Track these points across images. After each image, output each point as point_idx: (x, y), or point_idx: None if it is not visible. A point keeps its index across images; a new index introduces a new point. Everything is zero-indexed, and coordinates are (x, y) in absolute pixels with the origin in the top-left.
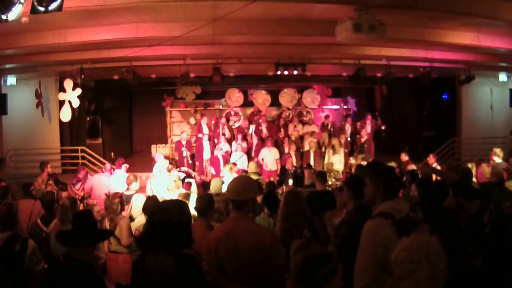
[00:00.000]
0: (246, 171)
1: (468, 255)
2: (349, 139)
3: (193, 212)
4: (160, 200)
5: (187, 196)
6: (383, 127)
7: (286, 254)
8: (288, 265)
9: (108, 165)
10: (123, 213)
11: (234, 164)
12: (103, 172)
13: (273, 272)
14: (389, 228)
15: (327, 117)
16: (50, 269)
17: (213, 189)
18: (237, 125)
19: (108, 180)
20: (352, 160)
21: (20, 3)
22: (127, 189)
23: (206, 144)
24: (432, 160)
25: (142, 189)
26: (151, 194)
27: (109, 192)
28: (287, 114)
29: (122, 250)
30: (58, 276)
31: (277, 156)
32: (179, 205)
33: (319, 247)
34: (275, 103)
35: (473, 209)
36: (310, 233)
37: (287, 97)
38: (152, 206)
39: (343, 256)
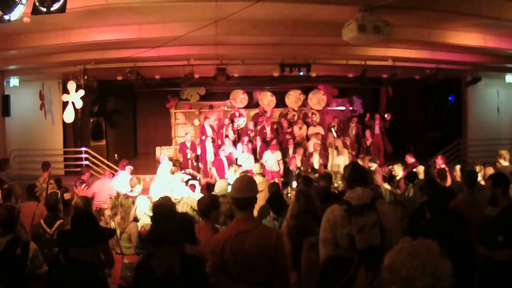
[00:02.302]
0: (248, 172)
1: (497, 246)
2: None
3: None
4: None
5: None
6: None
7: (293, 252)
8: (297, 263)
9: (107, 172)
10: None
11: (239, 165)
12: (104, 177)
13: (277, 272)
14: (340, 212)
15: (334, 118)
16: (50, 270)
17: (218, 190)
18: (241, 126)
19: (110, 183)
20: (358, 162)
21: (22, 3)
22: (131, 191)
23: (209, 146)
24: (440, 162)
25: (145, 191)
26: (153, 196)
27: (118, 192)
28: (293, 115)
29: (127, 251)
30: (59, 277)
31: (279, 157)
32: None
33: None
34: (280, 104)
35: (506, 203)
36: None
37: (292, 98)
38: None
39: None
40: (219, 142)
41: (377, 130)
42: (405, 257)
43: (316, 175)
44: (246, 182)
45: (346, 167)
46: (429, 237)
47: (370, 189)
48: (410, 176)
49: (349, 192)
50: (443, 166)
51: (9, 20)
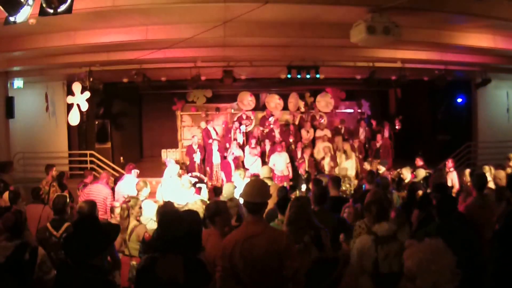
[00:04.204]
0: (257, 176)
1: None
2: (365, 143)
3: None
4: None
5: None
6: (397, 127)
7: None
8: None
9: (104, 174)
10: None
11: (246, 169)
12: (99, 181)
13: (290, 274)
14: (368, 241)
15: (342, 121)
16: (59, 272)
17: (225, 194)
18: (249, 129)
19: (106, 189)
20: (367, 166)
21: (28, 4)
22: (137, 194)
23: (215, 149)
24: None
25: (152, 194)
26: (161, 200)
27: (127, 195)
28: (297, 117)
29: (136, 253)
30: (68, 280)
31: (288, 160)
32: (190, 213)
33: (319, 252)
34: (287, 107)
35: None
36: (313, 240)
37: (294, 101)
38: (165, 211)
39: None
40: (227, 145)
41: (386, 133)
42: (420, 252)
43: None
44: (257, 187)
45: (372, 203)
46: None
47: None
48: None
49: (377, 226)
50: (452, 169)
51: (14, 22)
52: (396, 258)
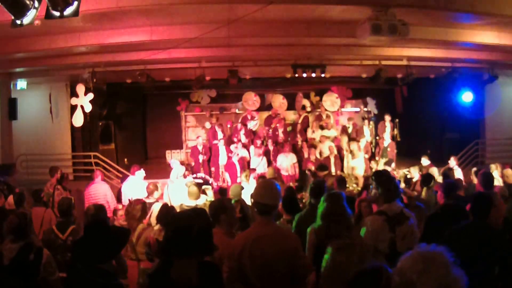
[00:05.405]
0: (264, 176)
1: None
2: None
3: None
4: (180, 206)
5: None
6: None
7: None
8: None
9: (97, 172)
10: (144, 221)
11: (252, 170)
12: (95, 179)
13: (300, 271)
14: (380, 221)
15: (350, 120)
16: (69, 277)
17: (232, 195)
18: (254, 129)
19: (102, 188)
20: (373, 164)
21: (34, 7)
22: (147, 197)
23: (222, 149)
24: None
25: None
26: (168, 201)
27: (131, 198)
28: (302, 116)
29: (143, 257)
30: (77, 283)
31: (294, 160)
32: (198, 212)
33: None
34: (292, 106)
35: None
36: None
37: (299, 100)
38: (166, 215)
39: None
40: (235, 144)
41: (388, 132)
42: (412, 261)
43: (325, 172)
44: (269, 189)
45: (385, 181)
46: (472, 238)
47: None
48: (426, 178)
49: (387, 205)
50: (455, 167)
51: (21, 25)
52: (413, 236)
